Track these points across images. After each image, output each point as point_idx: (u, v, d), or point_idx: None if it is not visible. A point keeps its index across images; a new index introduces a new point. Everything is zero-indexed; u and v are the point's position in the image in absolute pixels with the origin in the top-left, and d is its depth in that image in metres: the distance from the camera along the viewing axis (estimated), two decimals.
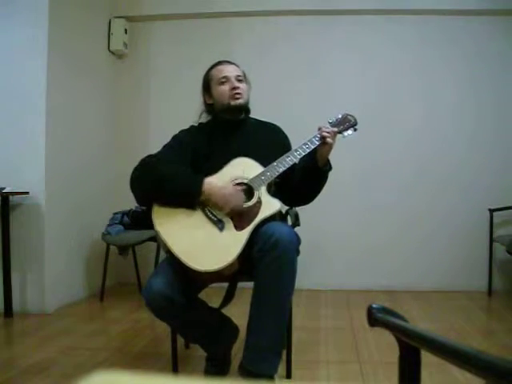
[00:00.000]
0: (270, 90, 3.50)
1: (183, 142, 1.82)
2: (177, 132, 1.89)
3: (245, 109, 1.87)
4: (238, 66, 1.91)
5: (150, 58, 3.84)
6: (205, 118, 1.94)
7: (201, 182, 1.62)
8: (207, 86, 1.89)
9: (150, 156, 1.76)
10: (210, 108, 1.90)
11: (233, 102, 1.82)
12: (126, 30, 3.71)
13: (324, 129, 1.76)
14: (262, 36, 3.72)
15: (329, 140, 1.73)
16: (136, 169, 1.71)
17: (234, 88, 1.81)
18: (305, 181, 1.81)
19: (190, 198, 1.63)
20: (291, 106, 3.58)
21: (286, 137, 1.97)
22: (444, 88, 3.61)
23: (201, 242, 1.58)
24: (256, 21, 3.70)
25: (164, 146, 1.83)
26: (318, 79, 3.67)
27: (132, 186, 1.70)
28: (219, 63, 1.90)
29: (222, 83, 1.83)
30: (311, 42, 3.69)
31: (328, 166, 1.82)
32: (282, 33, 3.70)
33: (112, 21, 3.68)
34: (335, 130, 1.78)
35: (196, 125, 1.93)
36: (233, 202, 1.62)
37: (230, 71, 1.85)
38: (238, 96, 1.82)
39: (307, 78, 3.67)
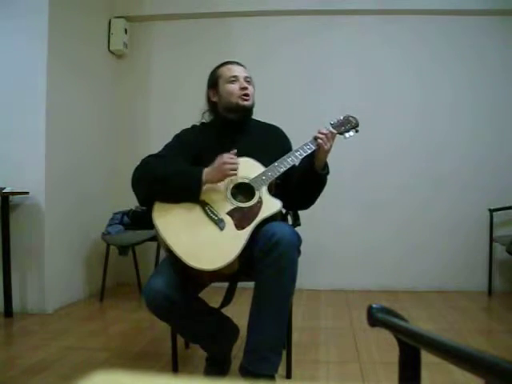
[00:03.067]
0: (270, 90, 3.50)
1: (185, 141, 1.82)
2: (178, 131, 1.89)
3: (250, 111, 1.87)
4: (245, 68, 1.92)
5: (150, 58, 3.84)
6: (207, 118, 1.93)
7: (201, 172, 1.63)
8: (215, 82, 1.87)
9: (150, 156, 1.76)
10: (213, 106, 1.90)
11: (241, 102, 1.82)
12: (126, 30, 3.71)
13: (321, 131, 1.75)
14: (262, 36, 3.72)
15: (320, 141, 1.72)
16: (137, 169, 1.72)
17: (244, 88, 1.82)
18: (302, 184, 1.80)
19: (192, 188, 1.63)
20: (291, 106, 3.58)
21: (286, 138, 1.97)
22: (443, 87, 3.61)
23: (201, 241, 1.58)
24: (256, 21, 3.70)
25: (165, 146, 1.83)
26: (317, 79, 3.68)
27: (134, 187, 1.70)
28: (228, 62, 1.90)
29: (232, 82, 1.83)
30: (311, 42, 3.69)
31: (326, 170, 1.81)
32: (282, 33, 3.70)
33: (112, 21, 3.68)
34: (334, 131, 1.77)
35: (198, 124, 1.93)
36: (226, 166, 1.62)
37: (239, 71, 1.86)
38: (246, 97, 1.82)
39: (307, 78, 3.68)
